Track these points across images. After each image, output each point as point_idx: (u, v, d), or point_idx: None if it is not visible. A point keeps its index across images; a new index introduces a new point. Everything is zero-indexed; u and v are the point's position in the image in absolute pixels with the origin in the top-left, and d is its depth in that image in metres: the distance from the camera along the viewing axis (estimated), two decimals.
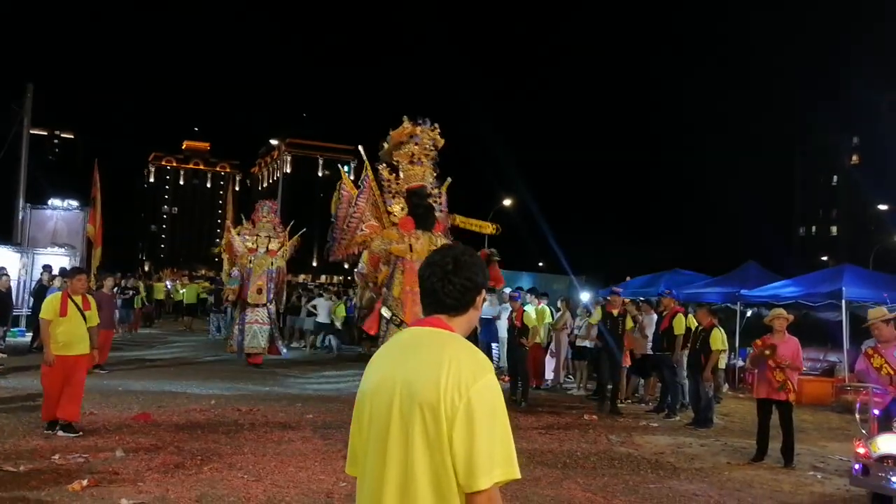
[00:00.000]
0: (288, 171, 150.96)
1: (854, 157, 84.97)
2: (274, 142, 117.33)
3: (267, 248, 18.09)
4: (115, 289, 18.93)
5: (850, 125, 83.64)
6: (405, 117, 9.57)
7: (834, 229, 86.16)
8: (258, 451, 8.72)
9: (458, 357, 2.26)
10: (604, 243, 74.80)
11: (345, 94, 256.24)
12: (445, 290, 2.44)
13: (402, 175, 9.62)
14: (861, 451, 7.16)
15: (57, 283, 16.80)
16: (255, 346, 17.39)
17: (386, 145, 9.71)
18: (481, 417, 2.16)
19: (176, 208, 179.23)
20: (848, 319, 16.46)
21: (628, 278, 27.42)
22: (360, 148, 10.02)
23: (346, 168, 11.26)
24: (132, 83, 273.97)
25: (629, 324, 13.77)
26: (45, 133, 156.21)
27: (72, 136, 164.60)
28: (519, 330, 14.06)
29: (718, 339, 12.12)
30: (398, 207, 9.47)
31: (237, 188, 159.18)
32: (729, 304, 18.91)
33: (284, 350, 19.22)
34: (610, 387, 13.46)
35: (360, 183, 9.83)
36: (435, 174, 9.77)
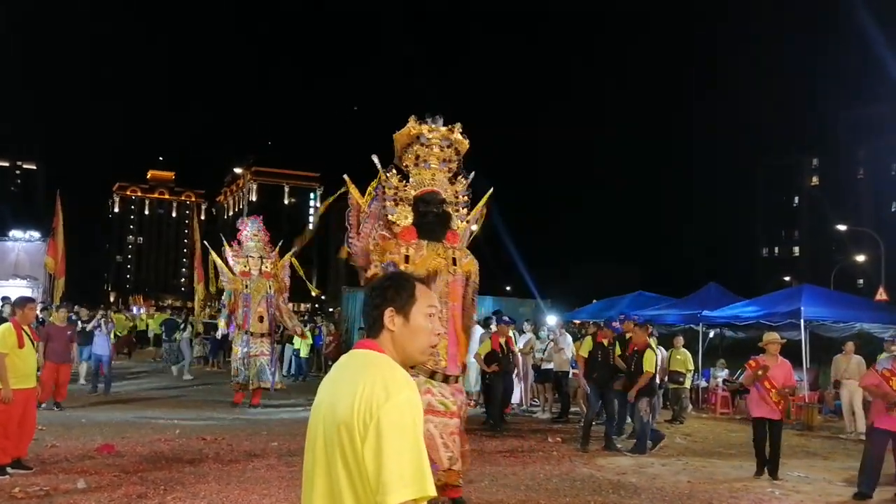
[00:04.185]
0: (254, 199, 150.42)
1: (814, 179, 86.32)
2: (238, 170, 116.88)
3: (260, 269, 16.35)
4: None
5: (808, 146, 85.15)
6: (411, 118, 8.50)
7: (796, 250, 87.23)
8: (222, 479, 8.71)
9: (374, 376, 2.33)
10: (569, 266, 75.30)
11: (310, 122, 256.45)
12: (365, 313, 2.58)
13: (411, 180, 8.51)
14: None
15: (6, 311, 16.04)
16: (264, 380, 15.87)
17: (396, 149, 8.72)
18: (390, 436, 2.22)
19: (141, 238, 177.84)
20: (807, 338, 16.78)
21: (594, 301, 27.71)
22: (375, 157, 8.65)
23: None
24: (96, 113, 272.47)
25: (618, 350, 13.15)
26: (7, 164, 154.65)
27: (34, 167, 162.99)
28: (495, 354, 14.01)
29: (652, 360, 12.14)
30: (401, 216, 8.35)
31: (203, 217, 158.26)
32: (692, 326, 19.16)
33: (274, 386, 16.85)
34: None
35: (374, 191, 8.77)
36: (463, 178, 8.67)
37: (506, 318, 15.11)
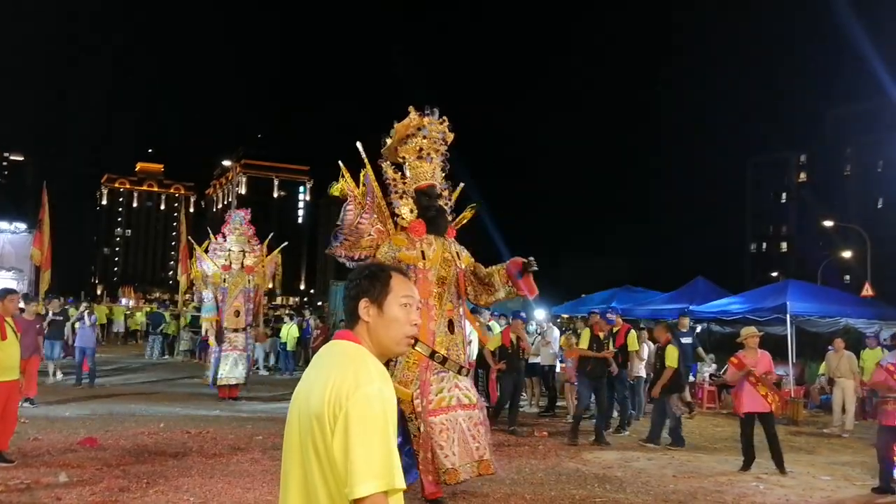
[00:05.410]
0: (243, 192, 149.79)
1: (802, 175, 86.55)
2: (227, 163, 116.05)
3: (242, 264, 16.12)
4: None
5: (796, 142, 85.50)
6: (411, 108, 8.32)
7: (784, 245, 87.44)
8: (206, 473, 8.67)
9: (346, 368, 2.31)
10: (557, 261, 75.39)
11: (300, 115, 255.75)
12: (343, 305, 2.58)
13: (408, 173, 8.35)
14: None
15: None
16: (236, 376, 15.56)
17: (389, 140, 8.48)
18: (357, 427, 2.19)
19: (129, 231, 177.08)
20: (793, 333, 16.83)
21: (583, 295, 27.70)
22: (359, 145, 8.36)
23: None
24: (84, 104, 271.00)
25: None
26: None
27: (21, 159, 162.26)
28: (504, 350, 13.73)
29: (673, 355, 12.17)
30: (406, 209, 8.14)
31: (191, 210, 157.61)
32: None
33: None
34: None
35: (361, 184, 8.42)
36: (444, 173, 8.56)
37: (522, 315, 14.87)
